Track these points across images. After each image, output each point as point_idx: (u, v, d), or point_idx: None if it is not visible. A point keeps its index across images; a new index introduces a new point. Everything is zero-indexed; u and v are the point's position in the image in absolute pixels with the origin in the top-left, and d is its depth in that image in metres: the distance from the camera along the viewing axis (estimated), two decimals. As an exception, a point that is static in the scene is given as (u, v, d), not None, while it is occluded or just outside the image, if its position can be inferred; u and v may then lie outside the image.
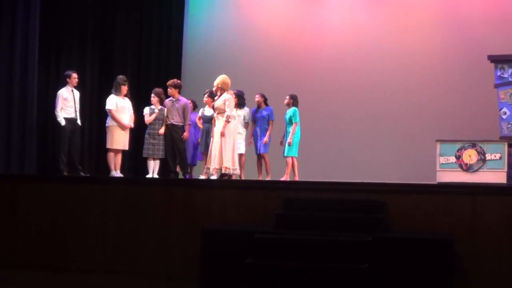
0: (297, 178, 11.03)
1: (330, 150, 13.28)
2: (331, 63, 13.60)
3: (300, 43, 13.83)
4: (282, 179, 10.86)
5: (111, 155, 10.99)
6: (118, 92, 11.08)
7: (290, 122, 11.17)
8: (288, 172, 11.12)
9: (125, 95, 11.17)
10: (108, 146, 10.99)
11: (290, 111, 11.24)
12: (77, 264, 9.07)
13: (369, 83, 13.37)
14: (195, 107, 11.98)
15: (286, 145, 11.13)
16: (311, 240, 7.39)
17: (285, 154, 11.16)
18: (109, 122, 11.00)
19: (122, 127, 10.98)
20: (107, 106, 10.99)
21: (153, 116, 11.16)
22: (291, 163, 11.15)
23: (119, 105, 10.99)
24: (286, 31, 13.94)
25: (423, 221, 8.04)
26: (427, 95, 13.08)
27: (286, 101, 11.38)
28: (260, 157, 11.50)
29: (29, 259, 9.23)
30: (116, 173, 10.96)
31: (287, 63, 13.76)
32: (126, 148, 11.18)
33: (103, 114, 11.38)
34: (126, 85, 11.18)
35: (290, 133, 11.07)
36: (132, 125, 11.19)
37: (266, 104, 11.57)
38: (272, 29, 14.01)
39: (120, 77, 11.27)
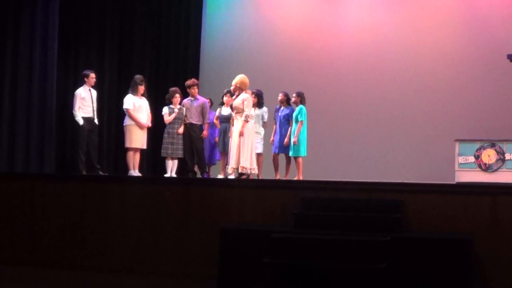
0: (300, 178, 11.02)
1: (349, 149, 13.26)
2: (349, 62, 13.58)
3: (318, 42, 13.83)
4: (295, 179, 10.88)
5: (130, 154, 11.06)
6: (135, 92, 11.15)
7: (297, 121, 11.14)
8: (300, 172, 11.12)
9: (142, 95, 11.23)
10: (127, 145, 11.06)
11: (297, 109, 11.22)
12: (95, 263, 9.15)
13: (388, 82, 13.33)
14: (211, 105, 12.01)
15: (292, 144, 11.09)
16: (329, 240, 7.40)
17: (293, 154, 11.14)
18: (127, 121, 11.07)
19: (140, 126, 11.05)
20: (125, 106, 11.06)
21: (173, 115, 11.22)
22: (297, 162, 11.15)
23: (136, 105, 11.06)
24: (304, 30, 13.95)
25: (441, 221, 8.03)
26: (445, 94, 13.02)
27: (293, 99, 11.36)
28: (277, 156, 11.49)
29: (48, 258, 9.31)
30: (135, 172, 11.03)
31: (305, 62, 13.76)
32: (144, 147, 11.25)
33: (121, 113, 11.46)
34: (143, 85, 11.24)
35: (296, 132, 11.05)
36: (150, 124, 11.25)
37: (288, 103, 11.57)
38: (290, 28, 14.02)
39: (137, 76, 11.34)
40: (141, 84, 11.20)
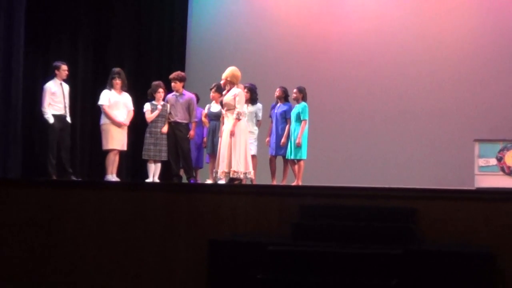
0: (300, 183, 11.02)
1: (354, 151, 13.29)
2: (354, 54, 13.61)
3: (319, 31, 13.85)
4: (294, 184, 10.88)
5: (110, 156, 11.05)
6: (111, 86, 11.14)
7: (298, 119, 11.12)
8: (300, 176, 11.11)
9: (122, 89, 11.21)
10: (104, 147, 11.04)
11: (299, 106, 11.21)
12: (67, 281, 9.09)
13: (397, 76, 13.39)
14: (198, 101, 11.99)
15: (293, 146, 11.08)
16: (332, 253, 7.38)
17: (292, 156, 11.13)
18: (103, 120, 11.07)
19: (117, 124, 11.02)
20: (99, 102, 11.09)
21: (156, 113, 11.20)
22: (297, 166, 11.14)
23: (112, 100, 11.05)
24: (303, 17, 13.98)
25: (460, 232, 8.02)
26: (463, 89, 13.07)
27: (294, 95, 11.36)
28: (274, 159, 11.50)
29: (11, 277, 9.23)
30: (112, 177, 11.00)
31: (304, 53, 13.80)
32: (124, 148, 11.23)
33: (97, 110, 11.44)
34: (118, 79, 11.20)
35: (299, 132, 11.04)
36: (127, 123, 11.21)
37: (286, 100, 11.55)
38: (287, 15, 14.05)
39: (114, 69, 11.35)
40: (114, 78, 11.19)
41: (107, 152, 11.08)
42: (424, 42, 13.31)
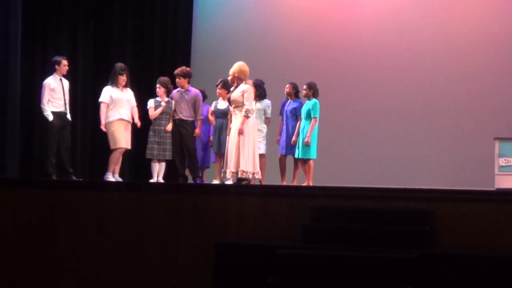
0: (310, 184, 11.03)
1: (366, 150, 13.27)
2: (365, 48, 13.57)
3: (330, 24, 13.83)
4: (304, 185, 10.90)
5: (115, 155, 11.05)
6: (114, 83, 11.16)
7: (308, 116, 11.14)
8: (310, 177, 11.12)
9: (125, 86, 11.23)
10: (113, 146, 11.04)
11: (309, 103, 11.21)
12: (69, 284, 9.13)
13: (412, 71, 13.34)
14: (205, 98, 12.02)
15: (302, 144, 11.09)
16: (344, 257, 7.40)
17: (301, 156, 11.14)
18: (107, 117, 11.07)
19: (123, 122, 11.05)
20: (100, 98, 11.11)
21: (159, 110, 11.22)
22: (306, 166, 11.15)
23: (114, 98, 11.06)
24: (313, 10, 13.94)
25: (478, 235, 8.01)
26: (483, 85, 13.01)
27: (303, 91, 11.37)
28: (283, 158, 11.52)
29: (10, 279, 9.29)
30: (113, 177, 11.03)
31: (315, 48, 13.77)
32: (129, 147, 11.24)
33: (98, 108, 11.45)
34: (125, 75, 11.23)
35: (309, 130, 11.04)
36: (138, 121, 11.25)
37: (297, 96, 11.57)
38: (293, 10, 14.03)
39: (118, 65, 11.35)
40: (121, 74, 11.20)
41: (113, 150, 11.10)
42: (442, 35, 13.25)
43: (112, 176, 11.02)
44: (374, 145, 13.25)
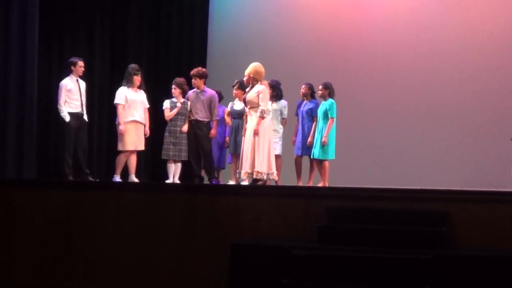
0: (326, 184, 11.00)
1: (383, 151, 13.24)
2: (384, 46, 13.53)
3: (347, 23, 13.80)
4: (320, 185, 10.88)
5: (121, 157, 11.12)
6: (129, 84, 11.19)
7: (325, 117, 11.11)
8: (326, 178, 11.10)
9: (139, 87, 11.26)
10: (120, 147, 11.09)
11: (326, 103, 11.19)
12: (84, 285, 9.17)
13: (431, 71, 13.29)
14: (221, 99, 12.03)
15: (319, 145, 11.07)
16: (360, 258, 7.39)
17: (319, 156, 11.11)
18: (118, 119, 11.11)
19: (135, 124, 11.07)
20: (115, 100, 11.13)
21: (175, 111, 11.24)
22: (323, 166, 11.14)
23: (129, 99, 11.09)
24: (330, 9, 13.91)
25: (495, 237, 7.97)
26: (501, 84, 12.93)
27: (319, 92, 11.35)
28: (299, 159, 11.51)
29: (26, 281, 9.33)
30: (130, 178, 11.06)
31: (331, 47, 13.76)
32: (141, 148, 11.27)
33: (114, 108, 11.49)
34: (139, 75, 11.26)
35: (326, 131, 11.02)
36: (147, 123, 11.26)
37: (313, 97, 11.56)
38: (309, 10, 14.01)
39: (132, 66, 11.38)
40: (136, 75, 11.23)
41: (119, 152, 11.14)
42: (460, 34, 13.18)
43: (119, 178, 11.06)
44: (391, 145, 13.22)
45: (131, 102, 11.11)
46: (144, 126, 11.22)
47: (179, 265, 8.89)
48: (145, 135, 11.26)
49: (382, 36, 13.56)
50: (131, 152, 11.15)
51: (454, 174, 12.51)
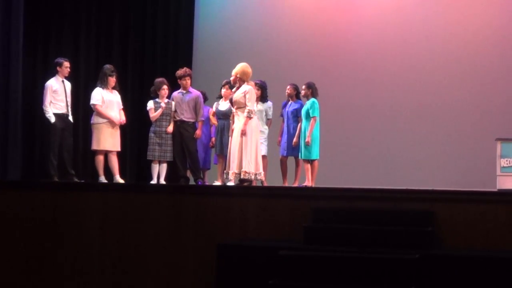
0: (312, 185, 11.01)
1: (368, 151, 13.24)
2: (366, 48, 13.51)
3: (331, 25, 13.77)
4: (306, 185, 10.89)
5: (99, 158, 11.11)
6: (104, 85, 11.18)
7: (308, 117, 11.10)
8: (309, 177, 11.08)
9: (113, 88, 11.25)
10: (94, 147, 11.09)
11: (308, 103, 11.19)
12: (71, 285, 9.15)
13: (414, 71, 13.29)
14: (206, 100, 12.01)
15: (303, 145, 11.07)
16: (346, 258, 7.41)
17: (303, 157, 11.11)
18: (94, 119, 11.09)
19: (111, 124, 11.05)
20: (92, 101, 11.11)
21: (159, 111, 11.23)
22: (310, 166, 11.13)
23: (106, 99, 11.09)
24: (315, 10, 13.91)
25: (480, 236, 8.02)
26: (485, 85, 12.95)
27: (302, 92, 11.33)
28: (285, 159, 11.51)
29: (12, 280, 9.30)
30: (115, 178, 11.04)
31: (316, 48, 13.72)
32: (118, 149, 11.24)
33: (90, 109, 11.43)
34: (114, 76, 11.24)
35: (308, 130, 11.02)
36: (124, 120, 11.26)
37: (298, 98, 11.56)
38: (295, 11, 13.98)
39: (107, 66, 11.37)
40: (111, 75, 11.22)
41: (95, 152, 11.13)
42: (442, 35, 13.22)
43: (104, 178, 11.04)
44: (376, 146, 13.23)
45: (108, 103, 11.10)
46: (120, 123, 11.21)
47: (165, 266, 8.89)
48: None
49: (368, 37, 13.56)
50: (109, 152, 11.11)
51: (439, 174, 12.54)
